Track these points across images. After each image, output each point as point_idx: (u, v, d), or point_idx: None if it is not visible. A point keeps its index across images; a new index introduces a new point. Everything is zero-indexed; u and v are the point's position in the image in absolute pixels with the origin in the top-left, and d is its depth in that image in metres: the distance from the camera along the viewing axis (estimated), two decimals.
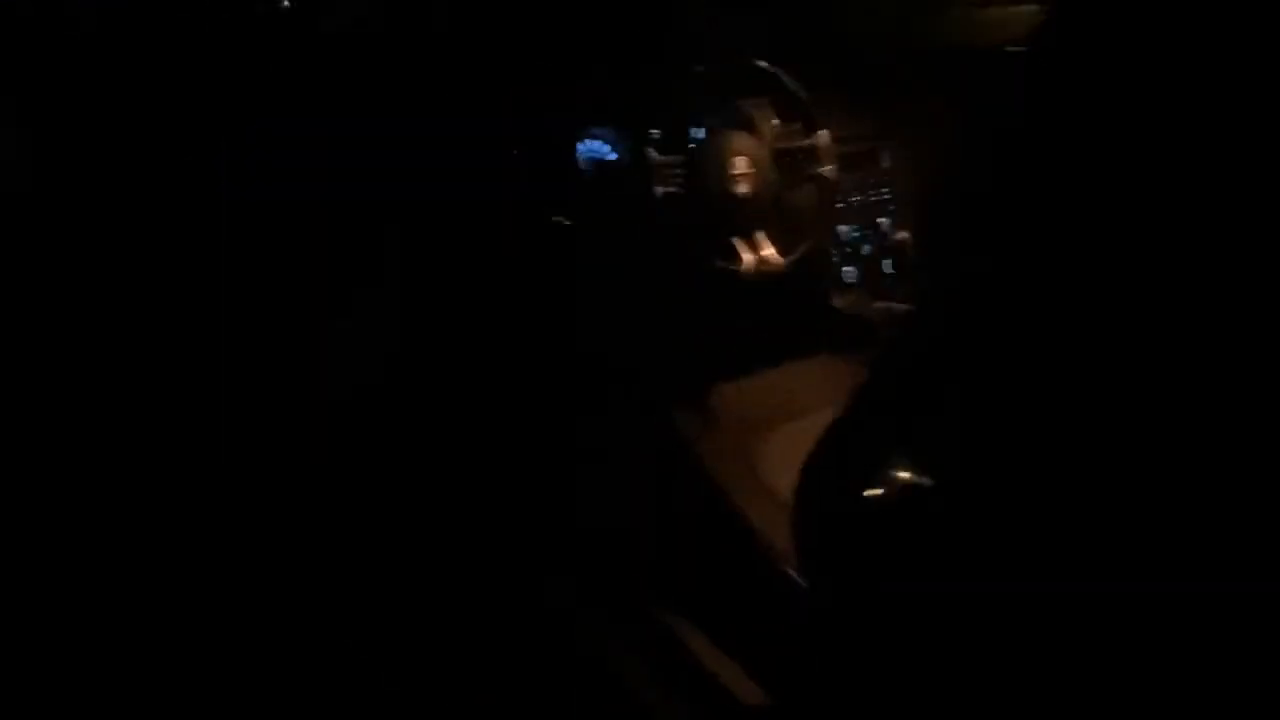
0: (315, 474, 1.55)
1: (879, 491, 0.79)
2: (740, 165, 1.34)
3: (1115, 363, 0.62)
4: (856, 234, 1.50)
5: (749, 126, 1.40)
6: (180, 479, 1.49)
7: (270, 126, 1.53)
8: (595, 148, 1.44)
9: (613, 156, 1.43)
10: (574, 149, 1.46)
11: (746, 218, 1.36)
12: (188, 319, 1.52)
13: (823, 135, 1.38)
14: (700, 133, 1.41)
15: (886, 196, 1.53)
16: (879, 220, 1.53)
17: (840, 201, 1.48)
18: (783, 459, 1.18)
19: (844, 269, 1.50)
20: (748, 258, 1.35)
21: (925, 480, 0.75)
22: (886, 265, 1.51)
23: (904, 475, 0.77)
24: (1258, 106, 0.53)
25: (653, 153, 1.34)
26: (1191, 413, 0.58)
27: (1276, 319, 0.54)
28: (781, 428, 1.29)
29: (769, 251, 1.35)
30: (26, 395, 1.45)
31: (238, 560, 1.46)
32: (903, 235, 1.51)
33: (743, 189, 1.34)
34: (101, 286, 1.49)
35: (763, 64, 1.37)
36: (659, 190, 1.32)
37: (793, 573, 1.11)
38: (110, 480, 1.46)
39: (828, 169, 1.38)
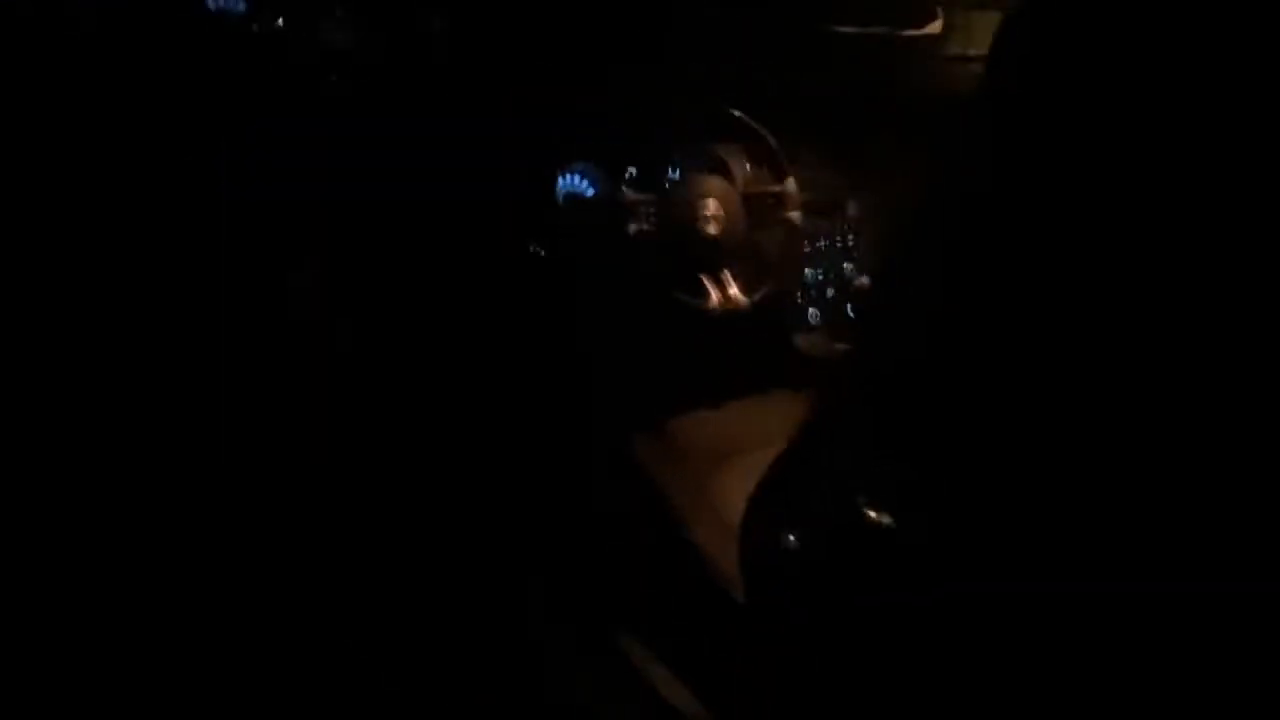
0: (314, 475, 1.56)
1: (825, 521, 0.82)
2: (711, 207, 1.39)
3: (1069, 405, 0.65)
4: (821, 277, 1.56)
5: (721, 170, 1.45)
6: (180, 478, 1.49)
7: (270, 126, 1.55)
8: (573, 183, 1.49)
9: (589, 192, 1.48)
10: (553, 182, 1.50)
11: (714, 257, 1.41)
12: (187, 319, 1.53)
13: (791, 182, 1.44)
14: (674, 174, 1.46)
15: (852, 243, 1.58)
16: (844, 265, 1.58)
17: (806, 246, 1.53)
18: (739, 490, 1.22)
19: (808, 311, 1.55)
20: (714, 295, 1.40)
21: (875, 514, 0.78)
22: (849, 309, 1.56)
23: (858, 508, 0.79)
24: (1216, 183, 0.57)
25: (627, 190, 1.39)
26: (1162, 458, 0.61)
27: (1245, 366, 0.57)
28: (738, 460, 1.33)
29: (734, 291, 1.41)
30: (25, 395, 1.46)
31: (235, 561, 1.48)
32: (865, 280, 1.56)
33: (712, 229, 1.39)
34: (101, 286, 1.49)
35: (736, 112, 1.43)
36: (631, 227, 1.37)
37: (740, 599, 1.15)
38: (109, 479, 1.46)
39: (795, 214, 1.44)
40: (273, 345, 1.57)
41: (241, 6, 1.47)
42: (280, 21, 1.49)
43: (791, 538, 0.80)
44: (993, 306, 0.67)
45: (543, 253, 1.51)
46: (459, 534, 1.55)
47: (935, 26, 1.53)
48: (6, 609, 1.37)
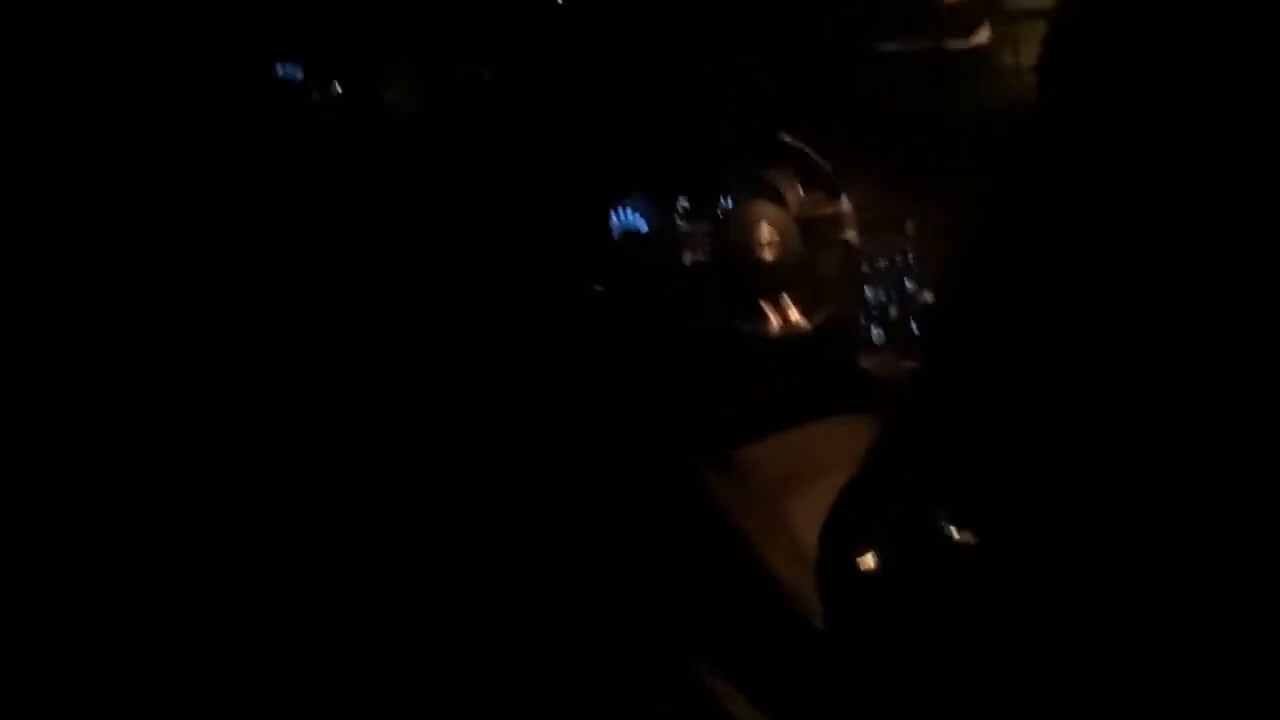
0: (316, 476, 1.56)
1: (897, 546, 0.81)
2: (765, 233, 1.39)
3: (1132, 422, 0.64)
4: (883, 296, 1.54)
5: (774, 195, 1.45)
6: (180, 478, 1.49)
7: (270, 127, 1.55)
8: (627, 217, 1.50)
9: (644, 225, 1.49)
10: (606, 216, 1.52)
11: (773, 283, 1.41)
12: (188, 319, 1.52)
13: (845, 202, 1.43)
14: (727, 202, 1.47)
15: (912, 260, 1.57)
16: (905, 282, 1.57)
17: (865, 266, 1.52)
18: (811, 516, 1.20)
19: (871, 331, 1.54)
20: (774, 321, 1.40)
21: (952, 532, 0.77)
22: (913, 327, 1.55)
23: (931, 529, 0.78)
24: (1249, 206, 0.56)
25: (681, 221, 1.40)
26: (1215, 461, 0.60)
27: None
28: (810, 486, 1.32)
29: (795, 315, 1.40)
30: (25, 395, 1.46)
31: (237, 561, 1.49)
32: (928, 297, 1.54)
33: (768, 255, 1.39)
34: (101, 286, 1.50)
35: (785, 135, 1.43)
36: (688, 257, 1.38)
37: (820, 627, 1.13)
38: (109, 479, 1.46)
39: (852, 235, 1.43)
40: (273, 345, 1.56)
41: (299, 75, 1.51)
42: (338, 86, 1.53)
43: (868, 561, 0.79)
44: (1058, 320, 0.66)
45: (601, 288, 1.52)
46: (466, 540, 1.54)
47: (982, 37, 1.51)
48: (7, 609, 1.38)
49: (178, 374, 1.52)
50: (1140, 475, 0.63)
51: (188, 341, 1.53)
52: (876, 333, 1.54)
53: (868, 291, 1.54)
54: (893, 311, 1.56)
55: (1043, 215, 0.64)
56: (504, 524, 1.57)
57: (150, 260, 1.51)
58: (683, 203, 1.45)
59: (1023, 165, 0.69)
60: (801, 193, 1.47)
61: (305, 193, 1.54)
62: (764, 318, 1.41)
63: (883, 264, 1.56)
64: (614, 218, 1.50)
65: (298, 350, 1.59)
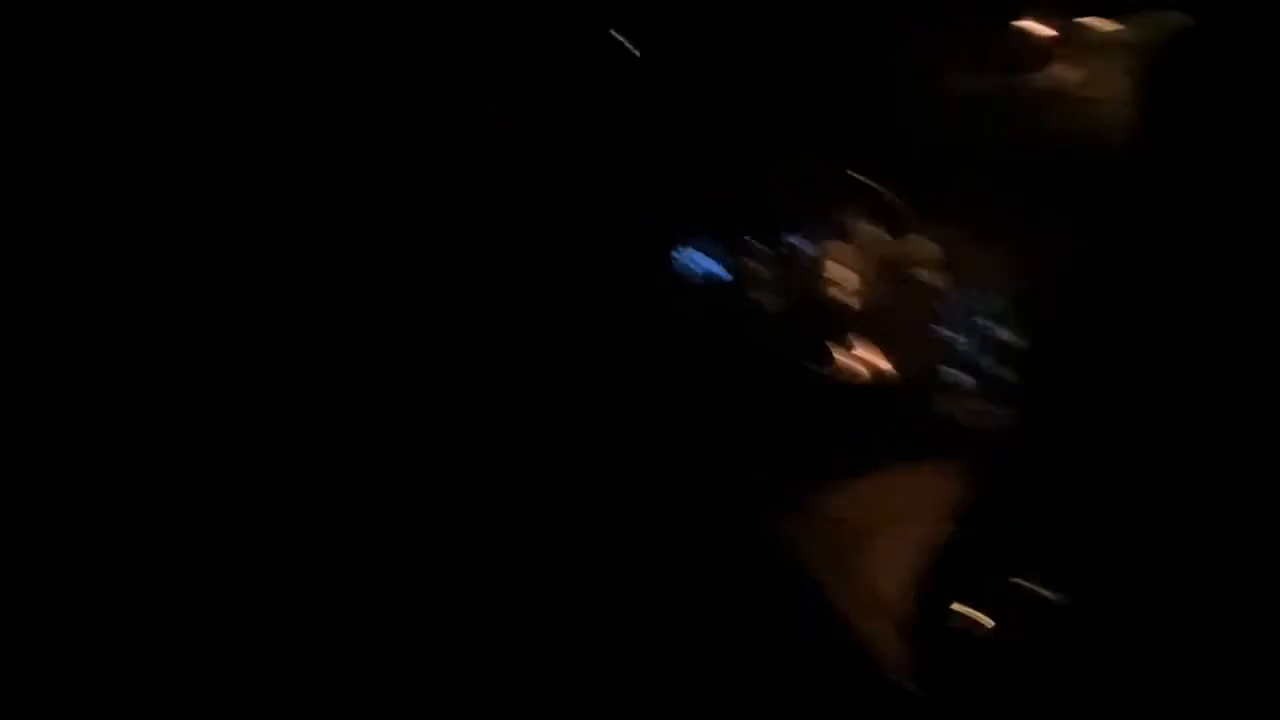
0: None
1: (997, 606, 0.79)
2: (836, 272, 1.37)
3: (1238, 462, 0.61)
4: (959, 337, 1.51)
5: (844, 234, 1.43)
6: (181, 478, 1.46)
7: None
8: (694, 256, 1.49)
9: (711, 265, 1.48)
10: (671, 256, 1.51)
11: (846, 325, 1.38)
12: (190, 319, 1.51)
13: (917, 240, 1.41)
14: (796, 241, 1.45)
15: (992, 301, 1.53)
16: (981, 321, 1.53)
17: (940, 305, 1.49)
18: (888, 564, 1.17)
19: (949, 374, 1.50)
20: (846, 363, 1.37)
21: (1049, 594, 0.74)
22: (989, 366, 1.51)
23: (1027, 589, 0.75)
24: None
25: (750, 261, 1.38)
26: None
27: None
28: (886, 532, 1.29)
29: (868, 356, 1.37)
30: (33, 394, 1.44)
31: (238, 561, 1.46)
32: (1006, 335, 1.51)
33: (839, 295, 1.37)
34: (100, 285, 1.47)
35: (855, 174, 1.41)
36: (756, 298, 1.36)
37: (899, 679, 1.10)
38: (112, 478, 1.44)
39: (924, 273, 1.41)
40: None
41: None
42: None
43: (962, 617, 0.76)
44: (1171, 371, 0.63)
45: (668, 330, 1.51)
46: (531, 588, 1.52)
47: (1055, 71, 1.49)
48: (8, 608, 1.36)
49: (181, 372, 1.51)
50: (1257, 538, 0.60)
51: (191, 339, 1.52)
52: (955, 376, 1.50)
53: (945, 333, 1.51)
54: (968, 351, 1.52)
55: (1161, 258, 0.62)
56: (566, 566, 1.55)
57: (151, 258, 1.50)
58: (751, 242, 1.44)
59: (1128, 208, 0.67)
60: (876, 232, 1.44)
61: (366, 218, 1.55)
62: (835, 359, 1.38)
63: (957, 301, 1.52)
64: (681, 257, 1.49)
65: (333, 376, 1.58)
